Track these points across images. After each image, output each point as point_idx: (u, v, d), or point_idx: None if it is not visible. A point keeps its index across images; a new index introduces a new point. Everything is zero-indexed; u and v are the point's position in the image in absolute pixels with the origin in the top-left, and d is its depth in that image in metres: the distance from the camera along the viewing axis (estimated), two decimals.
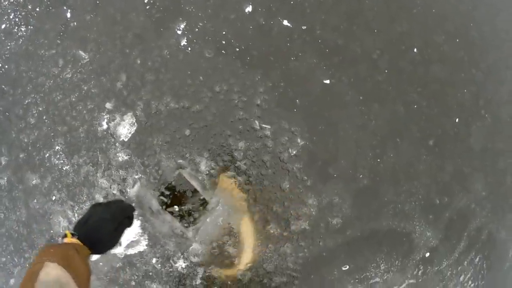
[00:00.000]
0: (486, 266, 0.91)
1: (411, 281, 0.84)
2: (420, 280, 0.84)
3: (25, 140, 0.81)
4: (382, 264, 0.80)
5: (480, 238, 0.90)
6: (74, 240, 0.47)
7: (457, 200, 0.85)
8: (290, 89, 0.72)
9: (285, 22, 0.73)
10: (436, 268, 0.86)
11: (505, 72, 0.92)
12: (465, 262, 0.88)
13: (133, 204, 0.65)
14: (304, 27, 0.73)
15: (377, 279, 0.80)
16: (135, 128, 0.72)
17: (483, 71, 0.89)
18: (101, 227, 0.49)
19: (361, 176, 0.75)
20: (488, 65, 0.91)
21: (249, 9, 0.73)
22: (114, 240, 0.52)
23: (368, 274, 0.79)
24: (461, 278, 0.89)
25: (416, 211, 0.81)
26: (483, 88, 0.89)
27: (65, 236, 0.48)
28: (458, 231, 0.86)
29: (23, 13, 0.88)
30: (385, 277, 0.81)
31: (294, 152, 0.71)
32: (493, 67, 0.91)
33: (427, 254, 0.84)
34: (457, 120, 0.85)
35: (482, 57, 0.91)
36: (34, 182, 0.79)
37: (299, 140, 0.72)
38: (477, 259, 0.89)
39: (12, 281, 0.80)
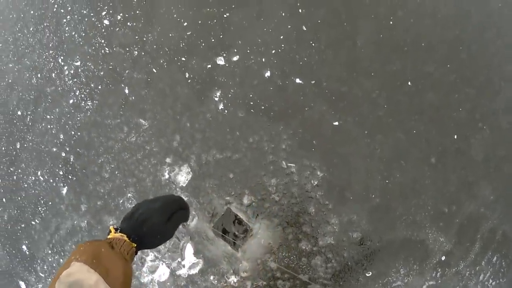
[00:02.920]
0: (505, 264, 1.17)
1: (431, 282, 1.13)
2: (439, 281, 1.14)
3: (101, 191, 1.23)
4: (402, 269, 1.11)
5: (495, 239, 1.18)
6: (117, 235, 0.47)
7: (465, 207, 1.15)
8: (307, 133, 1.08)
9: (298, 80, 1.10)
10: (454, 270, 1.15)
11: (499, 83, 1.21)
12: (483, 262, 1.16)
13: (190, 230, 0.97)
14: (313, 82, 1.09)
15: (399, 283, 1.11)
16: (190, 176, 1.11)
17: (476, 88, 1.19)
18: (150, 217, 0.49)
19: (373, 196, 1.08)
20: (481, 81, 1.21)
21: (268, 74, 1.10)
22: (167, 232, 0.51)
23: (390, 278, 1.10)
24: (481, 277, 1.16)
25: (427, 220, 1.11)
26: (478, 103, 1.19)
27: (110, 232, 0.48)
28: (470, 234, 1.15)
29: (87, 90, 1.33)
30: (406, 281, 1.11)
31: (316, 183, 1.06)
32: (485, 81, 1.20)
33: (443, 258, 1.13)
34: (455, 137, 1.16)
35: (474, 75, 1.21)
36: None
37: (318, 173, 1.07)
38: (495, 258, 1.17)
39: None
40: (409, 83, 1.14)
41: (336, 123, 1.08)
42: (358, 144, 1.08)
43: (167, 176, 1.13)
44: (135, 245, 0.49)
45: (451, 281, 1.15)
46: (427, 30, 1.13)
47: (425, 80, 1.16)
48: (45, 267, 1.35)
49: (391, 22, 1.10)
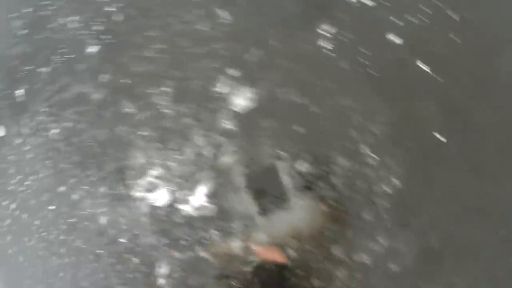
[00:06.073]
0: None
1: None
2: None
3: (132, 69, 0.91)
4: None
5: None
6: None
7: None
8: (403, 131, 0.81)
9: (422, 65, 0.83)
10: None
11: None
12: None
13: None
14: (441, 81, 0.82)
15: None
16: (249, 104, 0.82)
17: None
18: None
19: (433, 238, 0.84)
20: None
21: (399, 41, 0.82)
22: None
23: None
24: None
25: None
26: None
27: None
28: None
29: None
30: None
31: (387, 190, 0.80)
32: None
33: None
34: None
35: None
36: (127, 110, 0.89)
37: (394, 180, 0.80)
38: None
39: (61, 188, 0.89)
40: None
41: (444, 140, 0.82)
42: (456, 174, 0.82)
43: (218, 90, 0.83)
44: None
45: None
46: None
47: None
48: (32, 123, 1.02)
49: None
